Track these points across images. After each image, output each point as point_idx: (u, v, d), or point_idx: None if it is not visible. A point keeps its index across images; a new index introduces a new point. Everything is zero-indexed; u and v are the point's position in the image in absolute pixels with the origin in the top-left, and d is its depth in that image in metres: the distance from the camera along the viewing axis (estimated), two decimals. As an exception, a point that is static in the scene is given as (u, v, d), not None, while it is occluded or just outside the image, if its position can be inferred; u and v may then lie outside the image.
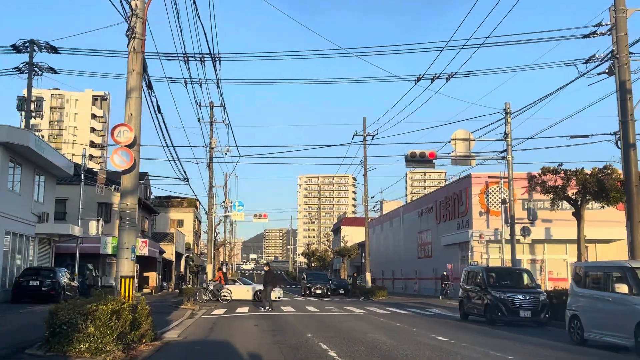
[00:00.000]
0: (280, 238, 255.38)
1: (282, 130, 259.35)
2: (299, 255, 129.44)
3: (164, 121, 16.16)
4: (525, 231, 26.71)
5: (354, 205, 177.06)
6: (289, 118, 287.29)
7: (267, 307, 21.75)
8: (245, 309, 22.42)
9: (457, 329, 15.60)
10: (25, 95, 25.16)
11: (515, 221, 25.08)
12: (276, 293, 28.53)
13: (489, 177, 32.88)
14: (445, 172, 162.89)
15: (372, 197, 71.60)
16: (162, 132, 15.93)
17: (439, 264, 38.69)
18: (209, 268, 34.25)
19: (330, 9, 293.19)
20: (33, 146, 22.20)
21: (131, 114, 11.82)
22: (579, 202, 20.46)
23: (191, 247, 64.72)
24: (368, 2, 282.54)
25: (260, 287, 26.60)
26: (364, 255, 46.83)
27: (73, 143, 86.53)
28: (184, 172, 35.80)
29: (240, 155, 61.69)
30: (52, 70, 24.56)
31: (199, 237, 75.78)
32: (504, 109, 24.75)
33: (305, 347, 11.02)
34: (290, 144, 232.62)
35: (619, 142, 21.08)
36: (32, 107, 25.35)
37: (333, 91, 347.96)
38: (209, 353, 10.67)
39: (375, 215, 62.69)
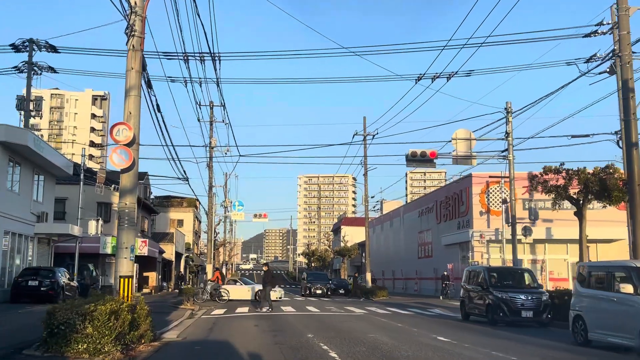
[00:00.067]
0: (280, 238, 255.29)
1: (282, 130, 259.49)
2: (299, 255, 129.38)
3: (163, 120, 16.12)
4: (527, 231, 26.61)
5: (354, 205, 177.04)
6: (289, 118, 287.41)
7: (267, 307, 21.68)
8: (245, 309, 22.33)
9: (459, 330, 15.50)
10: (25, 94, 25.07)
11: (517, 221, 25.00)
12: (277, 293, 28.44)
13: (490, 176, 32.79)
14: (445, 172, 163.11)
15: (372, 197, 71.69)
16: (161, 131, 15.87)
17: (440, 264, 38.60)
18: (209, 268, 34.17)
19: (330, 9, 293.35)
20: (32, 145, 22.10)
21: (130, 113, 11.73)
22: (581, 201, 20.36)
23: (191, 247, 64.65)
24: (368, 2, 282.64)
25: (261, 287, 26.51)
26: (364, 255, 46.76)
27: (73, 143, 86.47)
28: (184, 171, 35.78)
29: (240, 155, 61.63)
30: (52, 69, 24.47)
31: (199, 237, 75.71)
32: (505, 108, 24.68)
33: (306, 347, 10.92)
34: (290, 143, 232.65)
35: (619, 142, 21.06)
36: (31, 107, 25.26)
37: (333, 91, 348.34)
38: (208, 354, 10.57)
39: (375, 215, 62.60)
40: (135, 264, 14.84)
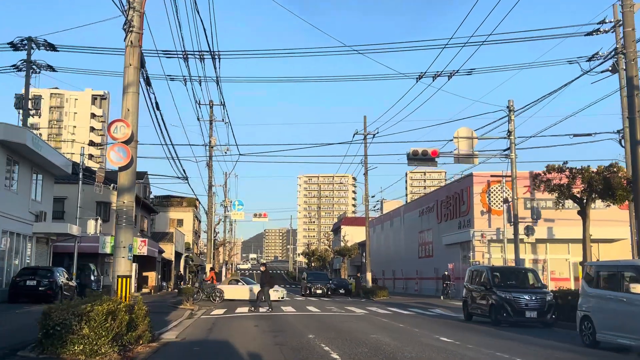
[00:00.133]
0: (280, 238, 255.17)
1: (282, 129, 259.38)
2: (299, 255, 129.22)
3: (162, 119, 15.90)
4: (529, 230, 26.42)
5: (354, 205, 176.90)
6: (289, 117, 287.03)
7: (267, 308, 21.51)
8: (245, 309, 22.16)
9: (462, 330, 15.32)
10: (24, 93, 24.88)
11: (518, 220, 24.81)
12: (279, 293, 28.25)
13: (491, 175, 32.63)
14: (445, 172, 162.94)
15: (372, 197, 71.51)
16: (161, 130, 15.69)
17: (440, 264, 38.43)
18: (209, 268, 34.02)
19: (331, 9, 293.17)
20: (30, 144, 21.93)
21: (128, 110, 11.55)
22: (585, 200, 20.17)
23: (191, 246, 64.51)
24: (368, 2, 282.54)
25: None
26: (364, 254, 46.56)
27: (72, 142, 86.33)
28: (184, 171, 35.63)
29: (240, 154, 61.61)
30: (51, 68, 24.30)
31: (199, 236, 75.58)
32: (507, 107, 24.48)
33: (306, 348, 10.74)
34: (290, 142, 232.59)
35: (622, 141, 20.90)
36: (30, 105, 25.07)
37: (333, 90, 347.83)
38: (208, 354, 10.41)
39: (375, 214, 62.45)
40: (134, 264, 14.69)
